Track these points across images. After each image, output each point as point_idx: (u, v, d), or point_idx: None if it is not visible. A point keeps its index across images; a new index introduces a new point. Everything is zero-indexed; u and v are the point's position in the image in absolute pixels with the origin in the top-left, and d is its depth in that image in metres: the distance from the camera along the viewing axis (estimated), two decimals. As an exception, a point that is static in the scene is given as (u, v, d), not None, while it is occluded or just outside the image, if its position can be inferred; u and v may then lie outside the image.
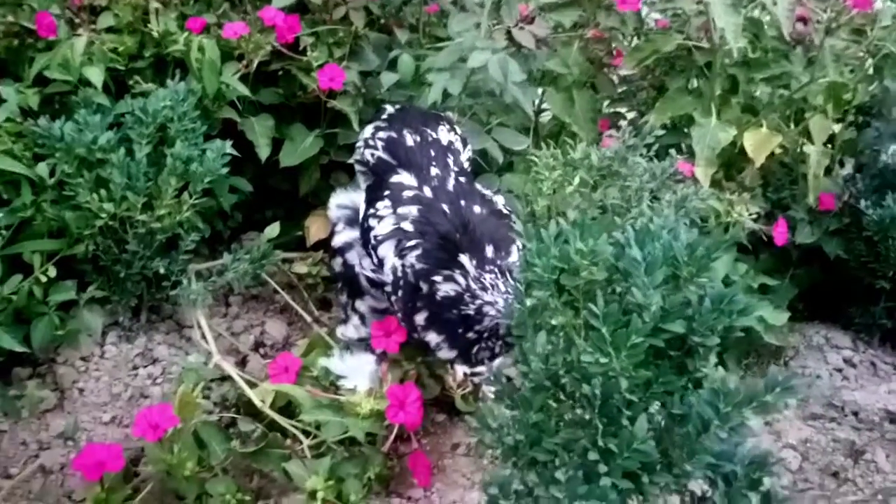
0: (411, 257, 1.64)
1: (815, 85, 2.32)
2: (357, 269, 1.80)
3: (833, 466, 1.97)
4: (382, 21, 2.37)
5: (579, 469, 1.00)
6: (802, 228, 2.55)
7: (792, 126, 2.54)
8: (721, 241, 1.07)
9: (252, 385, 1.78)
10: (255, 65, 2.21)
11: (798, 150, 2.52)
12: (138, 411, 1.41)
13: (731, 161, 2.45)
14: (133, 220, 1.77)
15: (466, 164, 1.93)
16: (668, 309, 0.98)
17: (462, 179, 1.80)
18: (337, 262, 1.87)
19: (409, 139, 1.84)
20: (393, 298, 1.70)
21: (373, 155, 1.87)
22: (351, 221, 1.85)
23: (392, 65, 2.30)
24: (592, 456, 0.97)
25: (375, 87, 2.27)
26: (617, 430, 0.99)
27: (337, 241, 1.86)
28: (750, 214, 2.26)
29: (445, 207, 1.67)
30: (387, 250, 1.68)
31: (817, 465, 1.99)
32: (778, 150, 2.51)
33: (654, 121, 2.49)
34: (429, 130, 1.88)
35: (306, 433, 1.60)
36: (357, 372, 1.75)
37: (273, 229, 2.20)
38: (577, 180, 1.85)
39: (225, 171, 1.89)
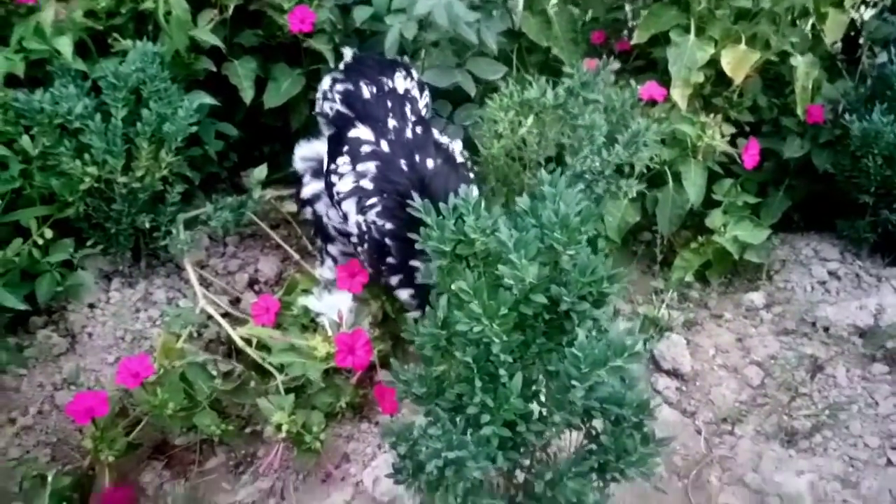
0: (372, 215, 1.73)
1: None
2: (325, 219, 1.91)
3: (793, 382, 2.06)
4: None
5: (468, 419, 1.14)
6: (792, 142, 2.53)
7: (782, 36, 2.44)
8: (592, 213, 1.12)
9: (245, 322, 1.97)
10: (230, 10, 2.26)
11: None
12: (123, 359, 1.61)
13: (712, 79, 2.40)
14: (115, 181, 1.92)
15: (424, 111, 1.96)
16: (534, 281, 1.08)
17: (418, 130, 1.84)
18: (307, 212, 1.97)
19: (366, 91, 1.88)
20: (359, 249, 1.82)
21: (331, 108, 1.92)
22: (316, 173, 1.92)
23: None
24: (472, 410, 1.10)
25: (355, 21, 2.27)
26: (496, 387, 1.12)
27: (305, 193, 1.95)
28: (724, 137, 2.25)
29: (403, 164, 1.73)
30: (349, 207, 1.78)
31: (778, 381, 2.08)
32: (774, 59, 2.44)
33: (637, 37, 2.46)
34: (385, 79, 1.91)
35: (281, 369, 1.79)
36: (334, 309, 1.90)
37: (261, 171, 2.31)
38: (529, 121, 1.89)
39: (194, 129, 1.99)
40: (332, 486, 1.65)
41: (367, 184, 1.74)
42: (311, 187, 1.95)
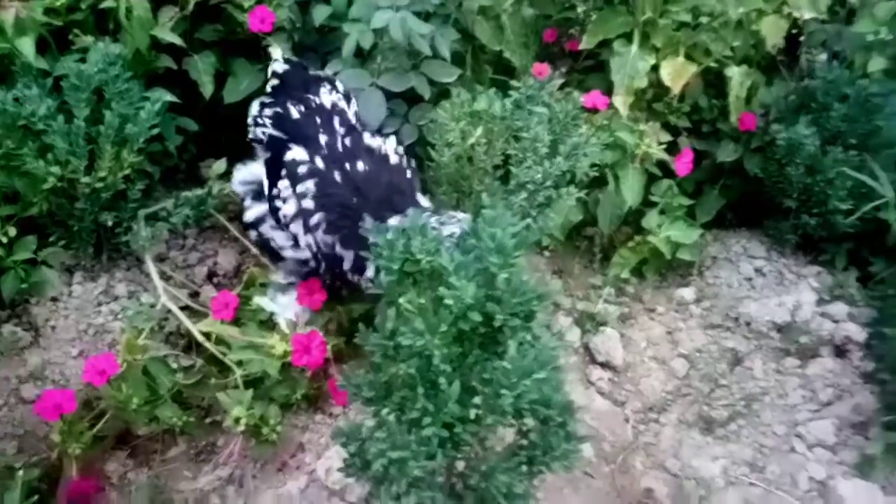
0: (319, 233, 1.79)
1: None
2: (272, 243, 1.95)
3: (715, 374, 2.26)
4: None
5: (411, 421, 1.28)
6: (727, 146, 2.70)
7: (720, 47, 2.59)
8: (525, 238, 1.25)
9: (205, 315, 2.07)
10: (191, 6, 2.31)
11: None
12: (90, 357, 1.70)
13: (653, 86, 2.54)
14: (78, 181, 1.98)
15: (353, 120, 2.00)
16: (472, 301, 1.21)
17: (348, 141, 1.88)
18: (252, 234, 2.02)
19: (294, 111, 1.93)
20: (319, 269, 1.88)
21: (264, 133, 1.96)
22: (257, 195, 1.96)
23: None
24: (414, 414, 1.24)
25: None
26: (436, 393, 1.25)
27: (249, 217, 1.99)
28: (661, 144, 2.41)
29: (337, 176, 1.79)
30: (297, 228, 1.82)
31: (701, 372, 2.27)
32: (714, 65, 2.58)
33: (586, 43, 2.58)
34: (311, 97, 1.96)
35: (240, 365, 1.90)
36: (288, 309, 2.00)
37: (220, 165, 2.37)
38: (479, 131, 2.01)
39: (156, 130, 2.05)
40: (288, 474, 1.78)
41: (308, 203, 1.79)
42: (253, 211, 1.98)
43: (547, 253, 2.62)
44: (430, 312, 1.22)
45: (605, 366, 2.27)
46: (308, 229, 1.79)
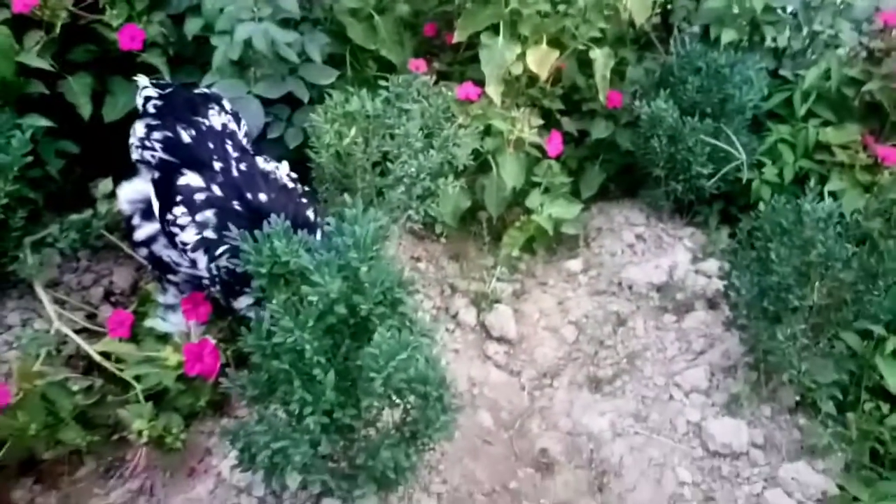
0: (223, 261, 1.79)
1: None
2: (165, 258, 1.93)
3: (601, 336, 2.43)
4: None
5: (291, 412, 1.37)
6: (599, 123, 2.88)
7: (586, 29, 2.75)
8: (380, 234, 1.35)
9: (104, 335, 2.08)
10: (57, 30, 2.30)
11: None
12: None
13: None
14: (-46, 215, 1.97)
15: (244, 141, 2.01)
16: (336, 295, 1.30)
17: (243, 166, 1.88)
18: (142, 252, 1.98)
19: (185, 135, 1.90)
20: (212, 288, 1.89)
21: (153, 156, 1.91)
22: (146, 214, 1.93)
23: (198, 8, 2.39)
24: (294, 406, 1.33)
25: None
26: (313, 384, 1.35)
27: (139, 235, 1.95)
28: (533, 128, 2.55)
29: (237, 205, 1.79)
30: (198, 255, 1.82)
31: (589, 336, 2.44)
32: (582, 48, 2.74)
33: (458, 36, 2.70)
34: (200, 119, 1.93)
35: (139, 380, 1.94)
36: (181, 325, 2.03)
37: (106, 185, 2.38)
38: (353, 131, 2.10)
39: (30, 158, 2.05)
40: (197, 479, 1.84)
41: (210, 234, 1.78)
42: (144, 230, 1.95)
43: (443, 239, 2.74)
44: (296, 310, 1.31)
45: (500, 340, 2.41)
46: (213, 258, 1.78)
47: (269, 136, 2.44)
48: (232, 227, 1.62)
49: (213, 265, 1.81)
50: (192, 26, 2.40)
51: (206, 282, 1.89)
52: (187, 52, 2.55)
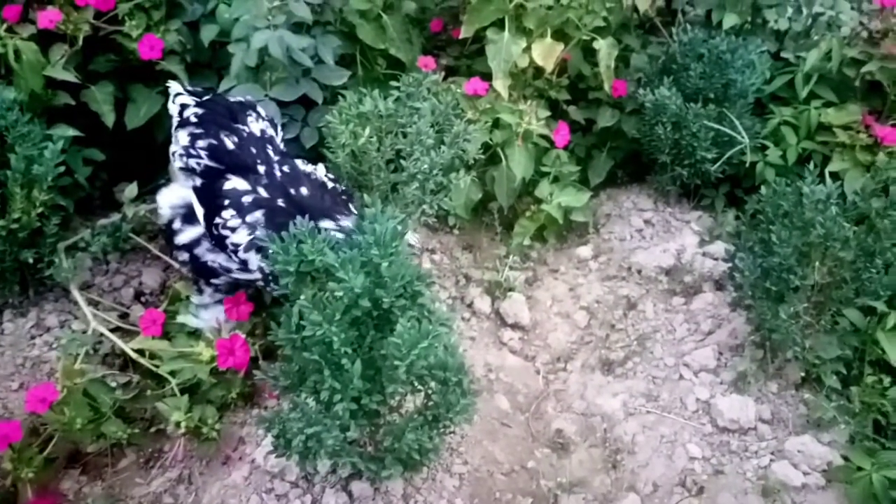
0: None
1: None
2: (210, 263, 2.03)
3: (612, 320, 2.51)
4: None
5: (322, 400, 1.47)
6: (605, 112, 2.95)
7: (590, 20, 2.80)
8: (397, 232, 1.44)
9: (136, 334, 2.20)
10: (80, 42, 2.40)
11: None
12: (30, 388, 1.82)
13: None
14: (-6, 226, 2.08)
15: (282, 146, 2.11)
16: (360, 290, 1.40)
17: (286, 168, 1.99)
18: (182, 256, 2.08)
19: (229, 143, 1.98)
20: (264, 285, 2.00)
21: (199, 164, 2.00)
22: (188, 218, 2.02)
23: (213, 15, 2.48)
24: (324, 394, 1.43)
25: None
26: (341, 373, 1.45)
27: (182, 239, 2.05)
28: (540, 120, 2.63)
29: (282, 202, 1.90)
30: (249, 255, 1.92)
31: (600, 320, 2.52)
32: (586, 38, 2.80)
33: (464, 32, 2.77)
34: (241, 126, 2.03)
35: (174, 375, 2.05)
36: (211, 322, 2.14)
37: (132, 190, 2.48)
38: (367, 131, 2.18)
39: (62, 168, 2.15)
40: (232, 466, 1.95)
41: (262, 233, 1.87)
42: (187, 234, 2.04)
43: (456, 231, 2.83)
44: (323, 305, 1.41)
45: (514, 327, 2.50)
46: (266, 256, 1.80)
47: (285, 137, 2.53)
48: (280, 223, 1.68)
49: (265, 263, 1.89)
50: (208, 33, 2.50)
51: (260, 283, 1.96)
52: (203, 58, 2.64)
